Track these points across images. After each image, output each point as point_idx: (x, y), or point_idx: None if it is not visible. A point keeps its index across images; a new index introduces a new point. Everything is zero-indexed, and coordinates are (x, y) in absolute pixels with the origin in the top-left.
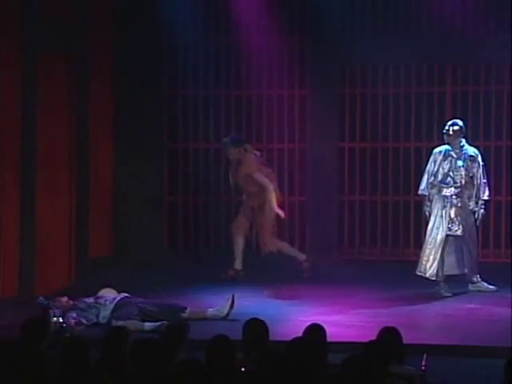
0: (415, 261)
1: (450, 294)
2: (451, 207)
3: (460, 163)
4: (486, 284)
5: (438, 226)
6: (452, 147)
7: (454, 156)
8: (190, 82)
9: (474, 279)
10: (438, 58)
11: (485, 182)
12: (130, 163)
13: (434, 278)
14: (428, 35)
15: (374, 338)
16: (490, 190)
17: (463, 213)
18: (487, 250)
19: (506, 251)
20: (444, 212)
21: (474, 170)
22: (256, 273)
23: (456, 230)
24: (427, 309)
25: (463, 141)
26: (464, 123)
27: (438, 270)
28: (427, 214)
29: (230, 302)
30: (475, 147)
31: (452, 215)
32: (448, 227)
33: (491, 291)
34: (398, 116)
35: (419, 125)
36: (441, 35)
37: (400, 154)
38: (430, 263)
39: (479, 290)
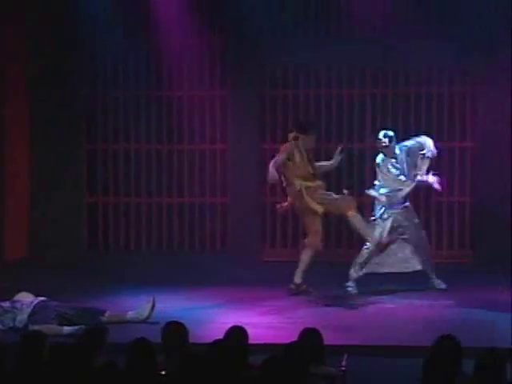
0: (339, 262)
1: (355, 292)
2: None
3: (395, 171)
4: (438, 281)
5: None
6: (386, 156)
7: (390, 166)
8: (110, 82)
9: (433, 278)
10: (360, 59)
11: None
12: (47, 164)
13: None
14: (351, 36)
15: (295, 339)
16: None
17: (408, 213)
18: (452, 251)
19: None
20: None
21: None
22: (178, 274)
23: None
24: (348, 309)
25: (396, 148)
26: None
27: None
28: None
29: (150, 304)
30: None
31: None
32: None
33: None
34: (320, 117)
35: (340, 126)
36: (364, 36)
37: (321, 156)
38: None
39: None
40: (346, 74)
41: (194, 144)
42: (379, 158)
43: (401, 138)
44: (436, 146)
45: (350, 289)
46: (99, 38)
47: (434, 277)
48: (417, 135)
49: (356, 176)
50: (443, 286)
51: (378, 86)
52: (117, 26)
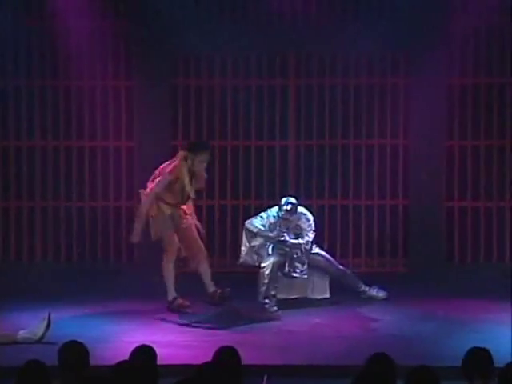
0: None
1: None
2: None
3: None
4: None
5: None
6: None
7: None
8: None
9: (362, 289)
10: (280, 47)
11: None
12: None
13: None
14: (269, 23)
15: (210, 359)
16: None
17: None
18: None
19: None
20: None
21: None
22: (79, 288)
23: None
24: (269, 326)
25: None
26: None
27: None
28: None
29: (45, 322)
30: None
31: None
32: None
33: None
34: (237, 111)
35: (260, 121)
36: (282, 23)
37: (240, 153)
38: None
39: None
40: (266, 62)
41: (96, 141)
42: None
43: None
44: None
45: (267, 306)
46: None
47: (363, 286)
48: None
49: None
50: (382, 294)
51: (301, 76)
52: (6, 8)
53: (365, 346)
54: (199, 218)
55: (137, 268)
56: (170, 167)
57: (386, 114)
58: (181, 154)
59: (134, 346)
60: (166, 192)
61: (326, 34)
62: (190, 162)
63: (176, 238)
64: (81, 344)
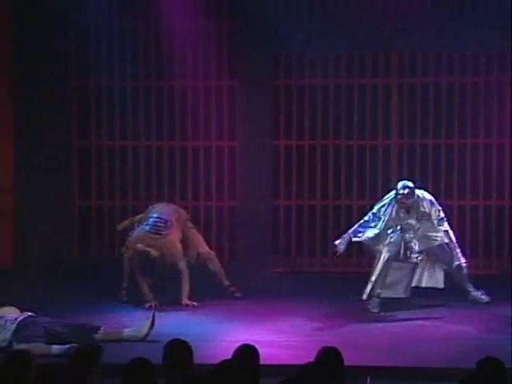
0: (358, 272)
1: (376, 310)
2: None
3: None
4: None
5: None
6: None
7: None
8: (104, 71)
9: (469, 289)
10: (382, 46)
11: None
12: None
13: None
14: (371, 22)
15: (312, 359)
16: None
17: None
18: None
19: None
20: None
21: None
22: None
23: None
24: (372, 326)
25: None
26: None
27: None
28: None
29: (149, 320)
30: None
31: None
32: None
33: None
34: (339, 111)
35: (363, 120)
36: (386, 22)
37: (341, 153)
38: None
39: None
40: (368, 61)
41: (199, 141)
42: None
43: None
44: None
45: (370, 306)
46: (91, 22)
47: (471, 286)
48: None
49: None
50: (486, 298)
51: (401, 75)
52: (111, 6)
53: (472, 349)
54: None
55: (237, 266)
56: None
57: (492, 114)
58: None
59: (237, 345)
60: None
61: (431, 33)
62: None
63: None
64: (185, 343)
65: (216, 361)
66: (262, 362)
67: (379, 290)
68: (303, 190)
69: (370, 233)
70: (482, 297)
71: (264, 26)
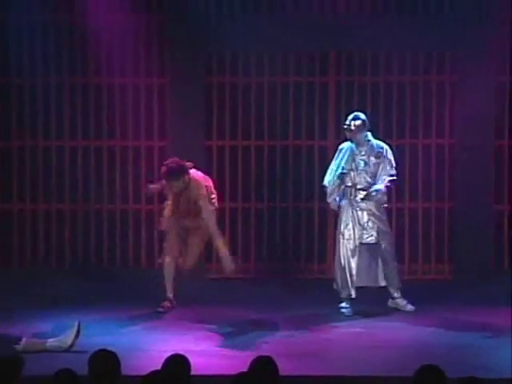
0: (305, 278)
1: (350, 314)
2: (361, 212)
3: (362, 163)
4: (405, 302)
5: (349, 236)
6: (355, 144)
7: (358, 154)
8: (26, 68)
9: (395, 294)
10: (319, 44)
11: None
12: None
13: (341, 295)
14: (309, 19)
15: (245, 369)
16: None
17: (375, 218)
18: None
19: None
20: (353, 219)
21: (379, 166)
22: (109, 294)
23: (368, 238)
24: (306, 334)
25: (369, 135)
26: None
27: (344, 285)
28: (335, 207)
29: (74, 330)
30: (384, 142)
31: (362, 221)
32: (359, 235)
33: (409, 311)
34: (274, 110)
35: (298, 120)
36: (323, 19)
37: (276, 154)
38: (338, 276)
39: (396, 308)
40: (304, 59)
41: (128, 140)
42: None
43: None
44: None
45: (343, 310)
46: (12, 16)
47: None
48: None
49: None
50: (410, 307)
51: (346, 73)
52: (34, 2)
53: (408, 357)
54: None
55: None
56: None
57: (431, 113)
58: None
59: (167, 355)
60: None
61: (369, 31)
62: None
63: None
64: (112, 353)
65: (145, 372)
66: (193, 372)
67: (349, 292)
68: (237, 193)
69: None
70: (407, 306)
71: (196, 22)
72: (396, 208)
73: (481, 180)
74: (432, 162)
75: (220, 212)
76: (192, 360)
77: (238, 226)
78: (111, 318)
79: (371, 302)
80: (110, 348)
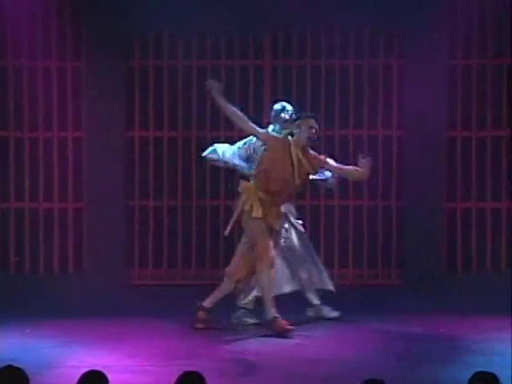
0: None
1: (253, 321)
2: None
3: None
4: (328, 308)
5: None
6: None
7: None
8: None
9: (314, 301)
10: (252, 26)
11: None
12: None
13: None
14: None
15: None
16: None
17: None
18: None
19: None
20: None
21: None
22: (17, 303)
23: (285, 240)
24: (238, 345)
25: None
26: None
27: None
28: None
29: None
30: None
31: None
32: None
33: (334, 317)
34: (204, 97)
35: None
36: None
37: (207, 146)
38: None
39: (318, 316)
40: (237, 41)
41: (39, 131)
42: None
43: None
44: None
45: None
46: None
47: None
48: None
49: None
50: (334, 313)
51: (283, 56)
52: None
53: (349, 369)
54: None
55: (86, 279)
56: None
57: (378, 100)
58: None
59: (82, 371)
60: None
61: (308, 10)
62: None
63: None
64: (19, 370)
65: None
66: None
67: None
68: (162, 189)
69: None
70: (331, 313)
71: (115, 2)
72: (339, 206)
73: (431, 175)
74: (378, 155)
75: (144, 211)
76: (111, 377)
77: (163, 225)
78: (19, 331)
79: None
80: (16, 364)
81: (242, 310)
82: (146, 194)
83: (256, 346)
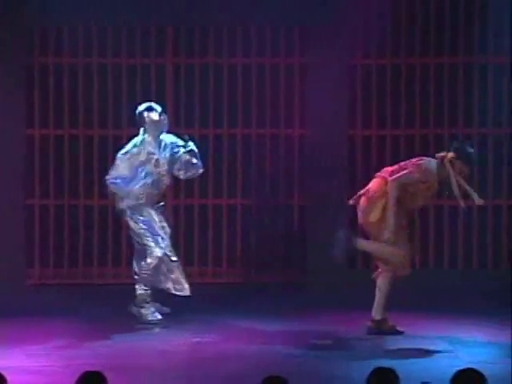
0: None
1: (158, 317)
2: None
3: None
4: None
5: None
6: (150, 139)
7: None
8: None
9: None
10: (154, 20)
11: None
12: None
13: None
14: None
15: None
16: None
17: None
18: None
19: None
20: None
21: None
22: None
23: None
24: (141, 345)
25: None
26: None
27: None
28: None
29: None
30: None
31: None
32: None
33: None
34: (106, 95)
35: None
36: None
37: (109, 145)
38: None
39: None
40: (138, 37)
41: None
42: None
43: None
44: None
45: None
46: None
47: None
48: None
49: None
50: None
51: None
52: None
53: (251, 366)
54: None
55: None
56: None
57: (279, 99)
58: (448, 155)
59: None
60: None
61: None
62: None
63: None
64: None
65: None
66: None
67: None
68: (63, 188)
69: None
70: (155, 315)
71: None
72: (241, 206)
73: (332, 174)
74: (280, 154)
75: (44, 210)
76: (9, 378)
77: (63, 226)
78: None
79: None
80: None
81: (142, 303)
82: (46, 192)
83: (158, 345)
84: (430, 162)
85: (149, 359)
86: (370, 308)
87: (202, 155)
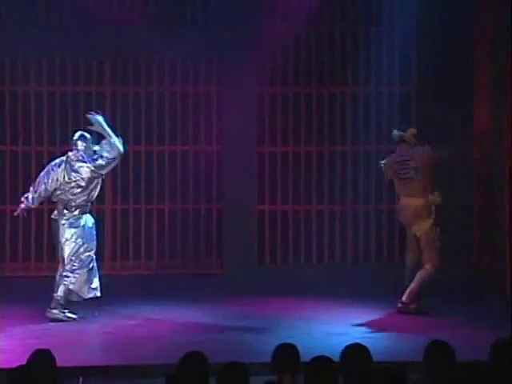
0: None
1: (74, 316)
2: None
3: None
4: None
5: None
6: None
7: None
8: None
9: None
10: (95, 53)
11: None
12: None
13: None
14: (83, 26)
15: (23, 363)
16: None
17: None
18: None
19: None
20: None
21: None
22: None
23: None
24: (85, 327)
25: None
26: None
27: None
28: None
29: None
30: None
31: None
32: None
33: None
34: (41, 118)
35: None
36: (99, 27)
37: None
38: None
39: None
40: (81, 68)
41: None
42: None
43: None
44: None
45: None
46: None
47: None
48: None
49: None
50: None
51: (117, 83)
52: None
53: (177, 345)
54: None
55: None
56: None
57: (200, 121)
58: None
59: None
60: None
61: (142, 41)
62: None
63: None
64: None
65: None
66: None
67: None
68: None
69: None
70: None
71: None
72: (169, 209)
73: (245, 183)
74: (201, 166)
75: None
76: None
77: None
78: None
79: None
80: None
81: (58, 304)
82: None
83: (101, 327)
84: None
85: (91, 339)
86: (276, 296)
87: (136, 169)
